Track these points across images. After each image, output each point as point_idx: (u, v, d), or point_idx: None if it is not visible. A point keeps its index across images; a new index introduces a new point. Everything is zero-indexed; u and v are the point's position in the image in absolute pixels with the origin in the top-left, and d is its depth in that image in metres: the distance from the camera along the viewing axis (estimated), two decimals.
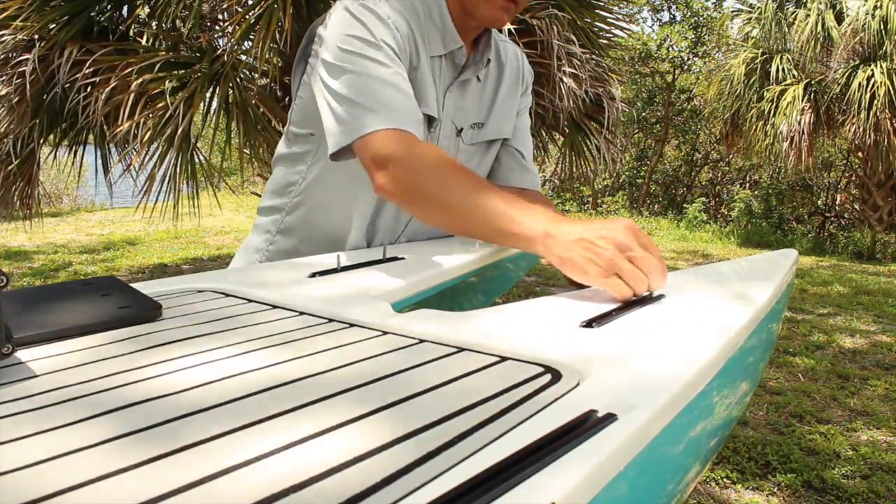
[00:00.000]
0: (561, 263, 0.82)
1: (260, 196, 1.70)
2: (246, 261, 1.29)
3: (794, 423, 2.66)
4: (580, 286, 0.86)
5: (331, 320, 0.73)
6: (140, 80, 3.17)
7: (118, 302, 0.73)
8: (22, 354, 0.60)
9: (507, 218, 0.86)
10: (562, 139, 4.22)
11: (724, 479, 2.21)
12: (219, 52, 3.51)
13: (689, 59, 13.10)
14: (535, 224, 0.85)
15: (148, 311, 0.72)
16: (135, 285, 0.83)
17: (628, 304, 0.77)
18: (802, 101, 8.76)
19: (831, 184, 11.79)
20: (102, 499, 0.36)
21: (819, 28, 8.82)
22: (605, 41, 4.21)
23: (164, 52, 3.42)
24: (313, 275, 0.94)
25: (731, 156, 12.32)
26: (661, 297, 0.82)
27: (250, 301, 0.81)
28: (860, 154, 9.38)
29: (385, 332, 0.68)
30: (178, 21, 3.66)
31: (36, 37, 3.33)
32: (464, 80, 1.15)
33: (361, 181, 1.10)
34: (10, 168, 3.67)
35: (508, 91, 1.22)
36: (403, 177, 0.92)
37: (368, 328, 0.70)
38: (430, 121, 1.11)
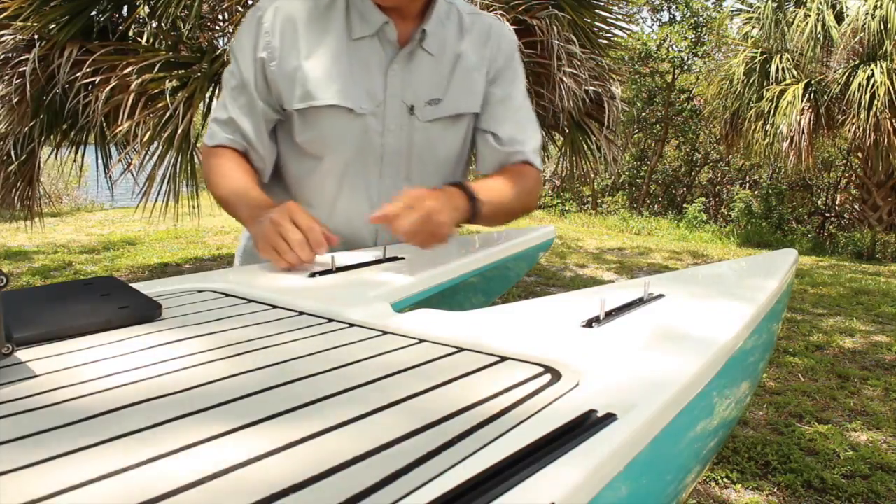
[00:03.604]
0: (254, 242, 1.00)
1: None
2: (239, 262, 1.30)
3: (794, 423, 2.66)
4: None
5: (331, 320, 0.73)
6: (140, 80, 3.17)
7: (118, 302, 0.73)
8: (22, 354, 0.60)
9: (236, 206, 1.09)
10: (562, 139, 4.22)
11: (724, 479, 2.21)
12: (219, 52, 3.50)
13: (688, 59, 13.09)
14: (252, 212, 1.04)
15: (148, 311, 0.72)
16: (135, 285, 0.83)
17: (629, 305, 0.77)
18: (802, 100, 8.76)
19: (831, 184, 11.79)
20: (102, 499, 0.36)
21: (819, 28, 8.82)
22: (605, 41, 4.21)
23: (164, 52, 3.42)
24: (313, 275, 0.94)
25: (730, 156, 12.32)
26: (660, 296, 0.82)
27: (250, 301, 0.81)
28: (860, 154, 9.37)
29: (385, 332, 0.68)
30: (178, 21, 3.66)
31: (36, 37, 3.33)
32: (410, 56, 1.11)
33: (314, 182, 1.16)
34: (10, 168, 3.67)
35: (472, 63, 1.15)
36: (208, 185, 1.15)
37: (368, 328, 0.70)
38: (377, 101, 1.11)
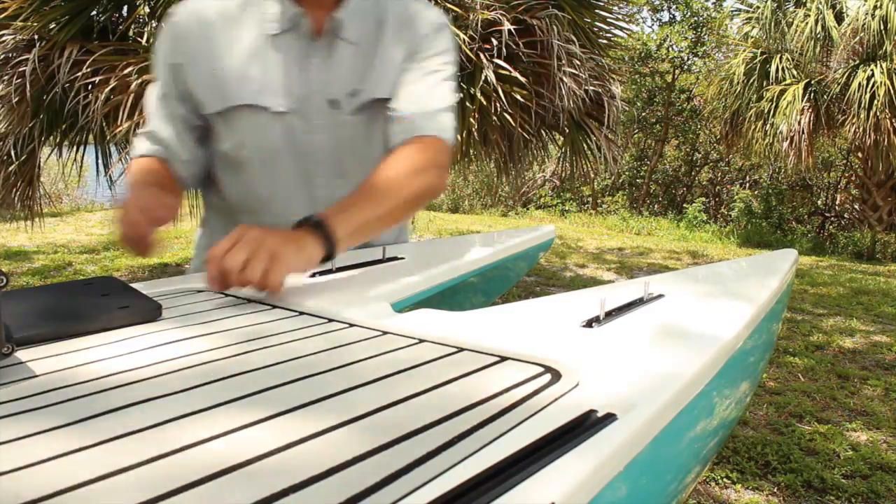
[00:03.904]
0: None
1: None
2: (195, 260, 1.29)
3: (794, 423, 2.66)
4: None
5: (331, 320, 0.73)
6: (140, 80, 3.17)
7: (118, 302, 0.73)
8: (22, 354, 0.60)
9: None
10: (562, 139, 4.22)
11: (724, 479, 2.21)
12: None
13: (688, 59, 13.10)
14: None
15: (148, 311, 0.72)
16: (135, 285, 0.83)
17: (629, 305, 0.77)
18: (802, 100, 8.75)
19: (831, 184, 11.79)
20: (103, 498, 0.36)
21: (819, 28, 8.82)
22: (605, 41, 4.21)
23: None
24: (313, 275, 0.94)
25: (730, 156, 12.32)
26: (660, 296, 0.82)
27: (250, 301, 0.81)
28: (860, 154, 9.37)
29: (385, 332, 0.68)
30: None
31: (36, 37, 3.33)
32: (329, 47, 1.05)
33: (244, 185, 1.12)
34: (10, 168, 3.67)
35: (391, 46, 1.09)
36: None
37: (368, 328, 0.70)
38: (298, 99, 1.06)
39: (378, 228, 0.99)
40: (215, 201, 1.21)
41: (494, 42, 3.45)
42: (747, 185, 12.88)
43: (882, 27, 8.27)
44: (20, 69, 3.29)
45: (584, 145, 4.12)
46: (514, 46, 3.46)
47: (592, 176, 4.70)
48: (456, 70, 1.14)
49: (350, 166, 1.10)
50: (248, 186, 1.12)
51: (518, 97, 3.47)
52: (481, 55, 3.46)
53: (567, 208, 13.26)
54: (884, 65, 8.19)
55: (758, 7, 9.81)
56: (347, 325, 0.71)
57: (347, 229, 0.90)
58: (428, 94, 1.08)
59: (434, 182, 1.04)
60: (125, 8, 3.73)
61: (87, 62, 3.22)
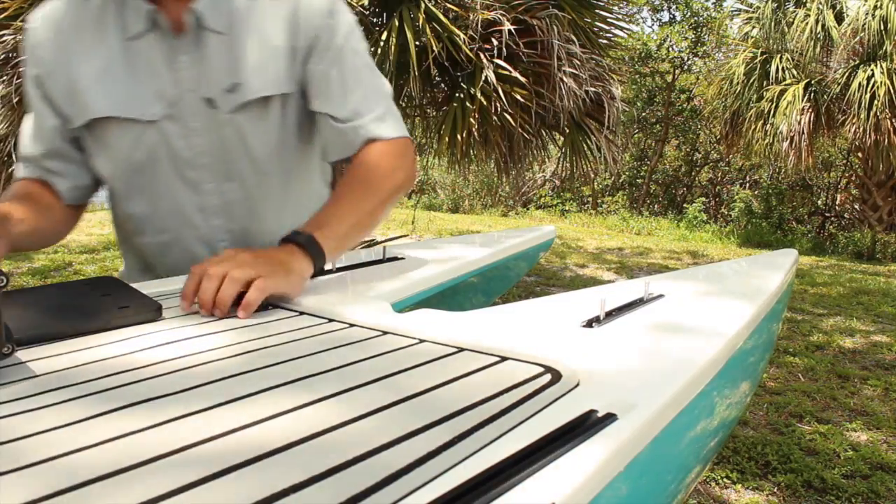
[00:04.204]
0: None
1: None
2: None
3: (794, 423, 2.66)
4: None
5: (331, 320, 0.73)
6: None
7: (118, 302, 0.73)
8: (22, 354, 0.60)
9: None
10: (562, 139, 4.22)
11: (724, 479, 2.21)
12: None
13: (688, 59, 13.10)
14: None
15: (148, 311, 0.72)
16: (135, 285, 0.83)
17: (629, 305, 0.77)
18: (802, 100, 8.75)
19: (831, 184, 11.79)
20: (104, 497, 0.36)
21: (819, 28, 8.82)
22: (605, 41, 4.21)
23: None
24: (313, 275, 0.94)
25: (730, 156, 12.32)
26: (660, 296, 0.82)
27: None
28: (860, 154, 9.37)
29: (385, 332, 0.68)
30: None
31: None
32: (196, 41, 0.96)
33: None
34: (11, 169, 3.67)
35: (271, 35, 0.97)
36: None
37: (368, 328, 0.70)
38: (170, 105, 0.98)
39: (359, 235, 0.95)
40: (115, 217, 1.11)
41: (494, 42, 3.45)
42: (747, 185, 12.88)
43: (882, 27, 8.27)
44: (20, 69, 3.29)
45: (584, 145, 4.12)
46: (514, 46, 3.46)
47: (592, 176, 4.70)
48: (365, 41, 1.05)
49: (239, 168, 1.01)
50: (130, 202, 1.04)
51: (518, 97, 3.47)
52: (481, 55, 3.46)
53: (567, 208, 13.26)
54: (884, 65, 8.19)
55: (758, 7, 9.81)
56: (347, 325, 0.71)
57: (334, 242, 0.87)
58: (362, 92, 1.00)
59: (405, 180, 1.00)
60: None
61: None
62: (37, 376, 0.55)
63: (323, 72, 0.99)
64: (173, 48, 0.96)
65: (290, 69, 0.99)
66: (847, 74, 8.49)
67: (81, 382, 0.54)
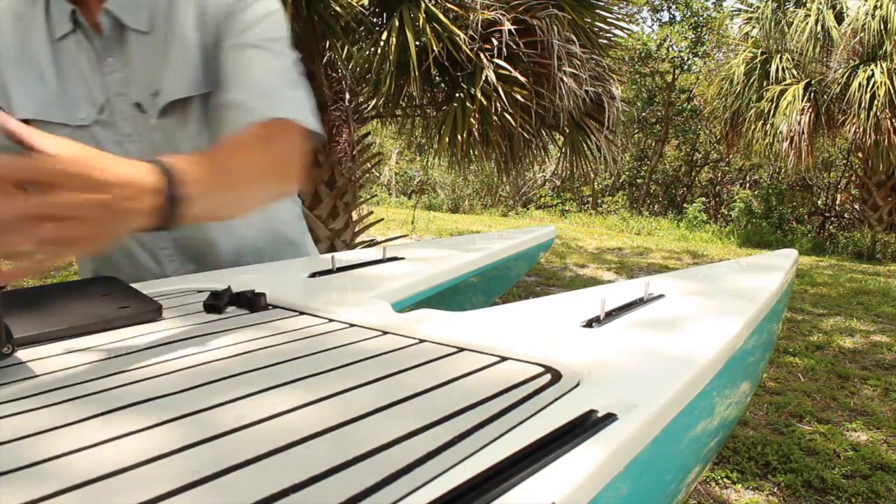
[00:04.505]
0: None
1: None
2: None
3: (794, 423, 2.66)
4: None
5: (331, 320, 0.73)
6: None
7: (118, 302, 0.73)
8: (22, 354, 0.60)
9: None
10: (562, 139, 4.22)
11: (724, 479, 2.21)
12: None
13: (688, 59, 13.10)
14: None
15: (148, 310, 0.72)
16: (135, 285, 0.83)
17: (629, 305, 0.77)
18: (802, 100, 8.75)
19: (831, 184, 11.78)
20: (104, 497, 0.36)
21: (819, 28, 8.82)
22: (605, 41, 4.21)
23: None
24: (313, 275, 0.94)
25: (730, 156, 12.32)
26: (661, 296, 0.82)
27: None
28: (860, 154, 9.37)
29: (385, 332, 0.68)
30: None
31: None
32: (121, 42, 0.91)
33: None
34: None
35: (187, 31, 0.91)
36: None
37: (368, 328, 0.70)
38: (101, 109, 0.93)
39: (233, 207, 0.76)
40: None
41: (495, 42, 3.45)
42: (747, 185, 12.88)
43: (882, 27, 8.26)
44: None
45: (584, 145, 4.12)
46: (514, 46, 3.46)
47: (592, 176, 4.70)
48: (288, 40, 0.94)
49: None
50: None
51: (518, 97, 3.47)
52: (481, 55, 3.46)
53: (567, 208, 13.27)
54: (884, 65, 8.19)
55: (758, 7, 9.80)
56: (347, 325, 0.71)
57: (208, 169, 0.65)
58: (262, 71, 0.88)
59: (286, 171, 0.83)
60: None
61: None
62: (37, 376, 0.55)
63: (225, 59, 0.91)
64: (101, 49, 0.91)
65: (205, 67, 0.92)
66: (847, 74, 8.49)
67: (81, 382, 0.54)
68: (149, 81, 0.92)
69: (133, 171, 0.55)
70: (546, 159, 4.59)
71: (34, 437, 0.44)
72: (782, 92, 9.00)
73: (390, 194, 15.16)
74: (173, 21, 0.91)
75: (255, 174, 0.77)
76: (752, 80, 9.51)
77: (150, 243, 1.01)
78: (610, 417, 0.46)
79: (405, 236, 7.09)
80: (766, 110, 9.14)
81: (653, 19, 21.27)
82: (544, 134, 4.19)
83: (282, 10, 0.94)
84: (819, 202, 11.66)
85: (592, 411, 0.47)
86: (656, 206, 13.36)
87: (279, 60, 0.90)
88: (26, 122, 0.91)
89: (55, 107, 0.92)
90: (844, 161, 11.36)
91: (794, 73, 9.21)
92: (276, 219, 1.11)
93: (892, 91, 7.99)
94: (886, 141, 8.10)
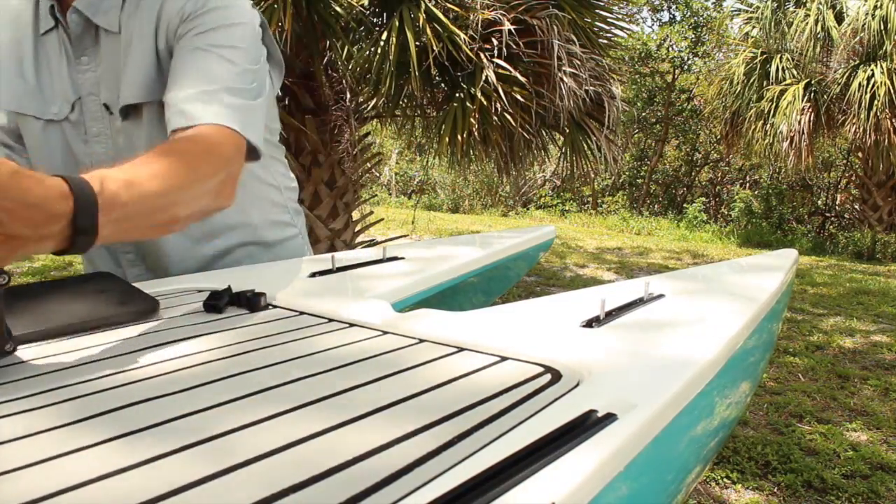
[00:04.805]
0: None
1: None
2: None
3: (794, 423, 2.66)
4: None
5: (331, 320, 0.73)
6: None
7: (115, 299, 0.73)
8: (23, 353, 0.60)
9: None
10: (562, 139, 4.22)
11: (724, 479, 2.21)
12: None
13: (688, 59, 13.10)
14: None
15: (145, 308, 0.72)
16: (135, 285, 0.83)
17: (629, 305, 0.77)
18: (802, 100, 8.75)
19: (831, 184, 11.79)
20: (103, 498, 0.36)
21: (819, 28, 8.82)
22: (605, 41, 4.21)
23: None
24: (313, 275, 0.94)
25: (730, 156, 12.32)
26: (661, 296, 0.82)
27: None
28: (860, 154, 9.37)
29: (385, 332, 0.68)
30: None
31: None
32: (95, 42, 0.91)
33: None
34: None
35: (144, 35, 0.89)
36: None
37: (368, 328, 0.70)
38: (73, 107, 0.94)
39: (152, 226, 0.70)
40: None
41: (495, 42, 3.45)
42: (747, 185, 12.88)
43: (882, 27, 8.26)
44: None
45: (585, 145, 4.12)
46: (514, 46, 3.46)
47: (592, 176, 4.70)
48: (249, 53, 0.90)
49: None
50: None
51: (518, 97, 3.47)
52: (481, 55, 3.46)
53: (567, 208, 13.26)
54: (884, 65, 8.19)
55: (758, 7, 9.81)
56: (347, 325, 0.71)
57: (126, 195, 0.61)
58: (204, 75, 0.84)
59: (215, 184, 0.77)
60: None
61: None
62: (37, 375, 0.55)
63: (172, 63, 0.88)
64: (78, 47, 0.92)
65: (159, 73, 0.90)
66: (847, 74, 8.49)
67: (80, 382, 0.53)
68: (116, 83, 0.91)
69: (44, 195, 0.52)
70: (546, 159, 4.59)
71: (34, 436, 0.44)
72: (782, 92, 9.00)
73: (390, 194, 15.16)
74: (134, 24, 0.90)
75: (177, 190, 0.70)
76: (752, 80, 9.51)
77: (112, 246, 1.02)
78: (610, 417, 0.46)
79: (405, 236, 7.09)
80: (766, 110, 9.14)
81: (653, 19, 21.29)
82: (544, 134, 4.19)
83: (249, 24, 0.91)
84: (819, 202, 11.66)
85: (592, 411, 0.47)
86: (656, 206, 13.36)
87: (226, 67, 0.86)
88: (14, 113, 0.95)
89: (31, 99, 0.94)
90: (844, 161, 11.36)
91: (794, 73, 9.21)
92: (251, 226, 1.08)
93: (892, 91, 7.99)
94: (886, 141, 8.10)
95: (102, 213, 0.57)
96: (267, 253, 1.11)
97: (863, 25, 8.35)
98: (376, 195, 13.52)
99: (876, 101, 8.03)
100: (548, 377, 0.55)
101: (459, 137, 3.51)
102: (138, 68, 0.90)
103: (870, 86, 8.13)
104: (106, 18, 0.90)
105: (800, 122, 8.65)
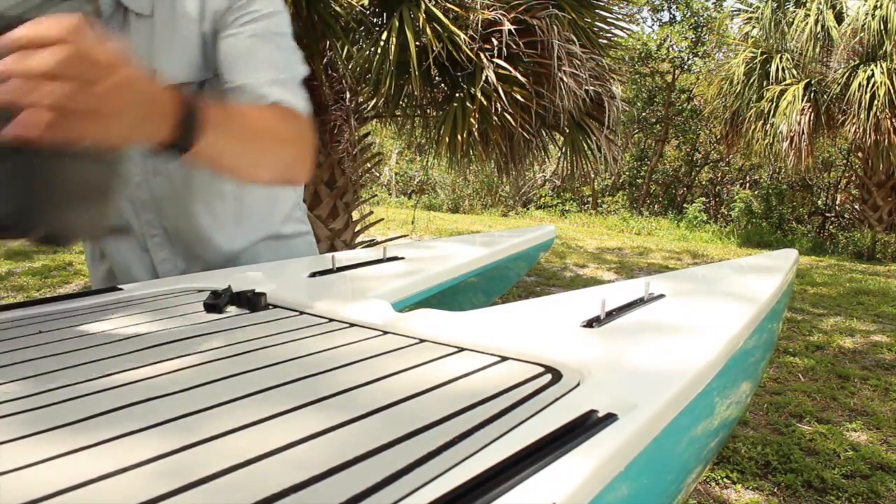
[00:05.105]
0: None
1: None
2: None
3: (794, 423, 2.66)
4: None
5: (331, 320, 0.73)
6: None
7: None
8: (23, 354, 0.60)
9: None
10: (562, 139, 4.22)
11: (724, 479, 2.21)
12: None
13: (688, 59, 13.10)
14: None
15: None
16: (135, 285, 0.83)
17: (629, 305, 0.77)
18: (802, 100, 8.75)
19: (831, 184, 11.78)
20: (103, 498, 0.36)
21: (819, 28, 8.82)
22: (605, 41, 4.21)
23: None
24: (313, 275, 0.94)
25: (730, 156, 12.32)
26: (661, 296, 0.82)
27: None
28: (860, 154, 9.37)
29: (385, 332, 0.68)
30: None
31: None
32: (123, 25, 0.93)
33: None
34: None
35: (188, 16, 0.93)
36: None
37: (368, 328, 0.70)
38: None
39: (242, 160, 0.76)
40: None
41: (495, 42, 3.45)
42: (747, 185, 12.88)
43: (882, 27, 8.26)
44: None
45: (585, 145, 4.12)
46: (514, 46, 3.46)
47: (592, 176, 4.70)
48: (290, 37, 0.97)
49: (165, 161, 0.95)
50: None
51: (518, 97, 3.47)
52: (481, 55, 3.46)
53: (567, 208, 13.26)
54: (884, 65, 8.19)
55: (758, 7, 9.81)
56: (347, 325, 0.71)
57: (221, 112, 0.67)
58: (271, 61, 0.91)
59: (295, 152, 0.85)
60: None
61: None
62: (36, 375, 0.55)
63: (227, 46, 0.92)
64: (104, 31, 0.92)
65: (203, 56, 0.94)
66: (847, 74, 8.49)
67: (80, 382, 0.53)
68: (146, 64, 0.92)
69: (154, 86, 0.56)
70: (546, 159, 4.58)
71: (34, 437, 0.44)
72: (782, 92, 9.00)
73: (390, 194, 15.16)
74: (175, 8, 0.93)
75: (269, 138, 0.79)
76: (752, 80, 9.51)
77: (139, 230, 1.03)
78: (610, 417, 0.46)
79: (405, 236, 7.09)
80: (766, 110, 9.14)
81: (653, 19, 21.28)
82: (544, 134, 4.19)
83: (285, 12, 0.97)
84: (819, 202, 11.66)
85: (593, 411, 0.47)
86: (656, 206, 13.36)
87: (285, 55, 0.94)
88: None
89: None
90: (844, 161, 11.36)
91: (794, 73, 9.21)
92: (272, 218, 1.11)
93: (892, 91, 7.99)
94: (886, 141, 8.10)
95: (209, 115, 0.62)
96: (284, 246, 1.13)
97: (863, 25, 8.35)
98: (376, 195, 13.51)
99: (876, 101, 8.03)
100: (548, 377, 0.55)
101: (459, 137, 3.51)
102: (184, 50, 0.93)
103: (870, 86, 8.13)
104: (137, 2, 0.92)
105: (800, 122, 8.65)
